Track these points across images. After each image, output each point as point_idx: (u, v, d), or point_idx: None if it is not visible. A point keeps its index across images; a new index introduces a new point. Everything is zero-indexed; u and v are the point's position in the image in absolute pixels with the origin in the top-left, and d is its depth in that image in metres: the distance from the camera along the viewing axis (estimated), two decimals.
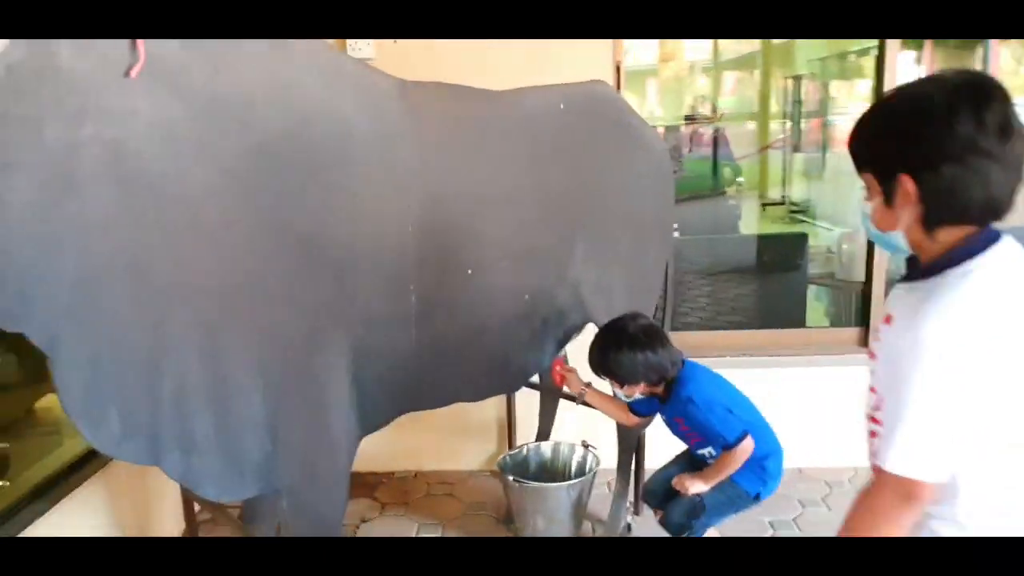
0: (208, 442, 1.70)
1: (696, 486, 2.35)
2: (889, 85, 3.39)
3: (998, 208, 1.20)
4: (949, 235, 1.22)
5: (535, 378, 2.96)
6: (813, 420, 3.33)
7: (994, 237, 1.22)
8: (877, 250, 3.61)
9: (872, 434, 1.34)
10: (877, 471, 1.24)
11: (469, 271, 2.18)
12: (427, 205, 2.02)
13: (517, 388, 2.47)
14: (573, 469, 3.01)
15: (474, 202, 2.16)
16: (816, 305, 4.62)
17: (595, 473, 2.85)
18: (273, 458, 1.81)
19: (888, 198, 1.24)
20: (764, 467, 2.37)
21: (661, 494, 2.51)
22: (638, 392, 2.35)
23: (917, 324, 1.18)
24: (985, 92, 1.16)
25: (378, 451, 3.65)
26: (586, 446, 2.97)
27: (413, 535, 3.11)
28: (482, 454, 3.63)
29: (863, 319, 3.71)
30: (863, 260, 3.70)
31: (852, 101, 6.73)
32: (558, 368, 2.69)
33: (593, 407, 2.62)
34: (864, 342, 3.69)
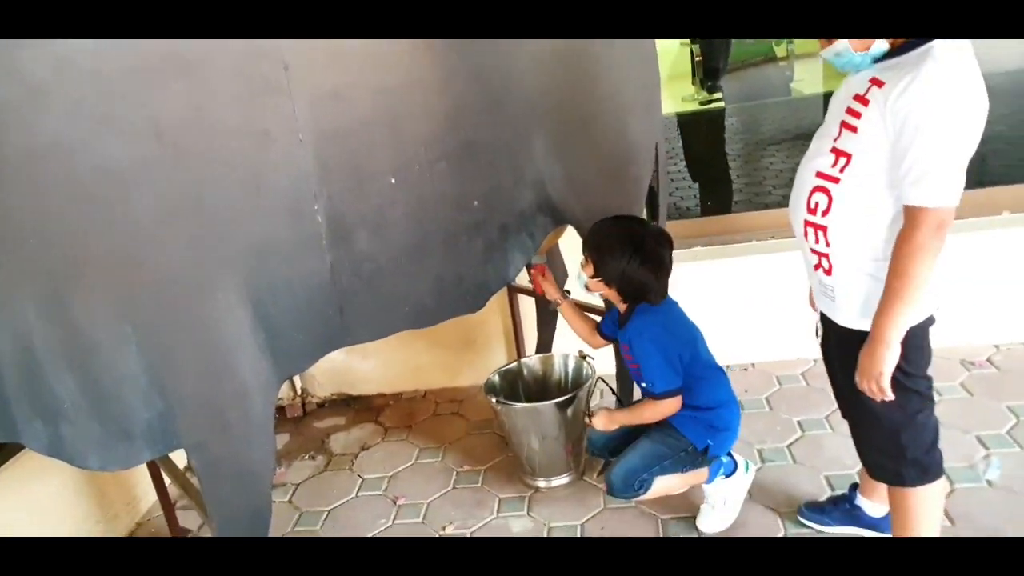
0: (77, 407, 1.50)
1: (600, 421, 2.25)
2: None
3: None
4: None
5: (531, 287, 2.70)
6: None
7: None
8: None
9: (818, 190, 1.67)
10: (910, 212, 1.50)
11: (392, 179, 1.87)
12: (320, 101, 1.70)
13: (478, 307, 2.19)
14: (569, 382, 2.76)
15: (385, 92, 1.82)
16: None
17: (592, 384, 2.59)
18: (168, 416, 1.61)
19: None
20: (709, 420, 2.17)
21: (600, 442, 2.35)
22: (601, 291, 2.16)
23: (929, 79, 1.44)
24: None
25: (384, 373, 3.52)
26: (583, 356, 2.70)
27: (411, 462, 2.95)
28: (492, 367, 3.42)
29: None
30: None
31: None
32: (536, 276, 2.42)
33: (565, 319, 2.40)
34: None
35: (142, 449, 1.60)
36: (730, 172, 4.68)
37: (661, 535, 2.32)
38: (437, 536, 2.49)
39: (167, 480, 2.49)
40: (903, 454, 1.75)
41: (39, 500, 2.41)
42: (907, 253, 1.51)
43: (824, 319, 1.82)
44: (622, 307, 2.17)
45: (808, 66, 6.13)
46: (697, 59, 4.82)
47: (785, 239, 3.13)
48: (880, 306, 1.59)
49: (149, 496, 2.81)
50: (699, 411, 2.14)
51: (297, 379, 3.53)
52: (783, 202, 3.62)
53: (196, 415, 1.65)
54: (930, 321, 1.71)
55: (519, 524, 2.49)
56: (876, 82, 1.54)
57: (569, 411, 2.52)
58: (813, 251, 1.74)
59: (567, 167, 2.24)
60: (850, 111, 1.60)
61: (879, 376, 1.61)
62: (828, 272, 1.71)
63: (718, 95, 4.77)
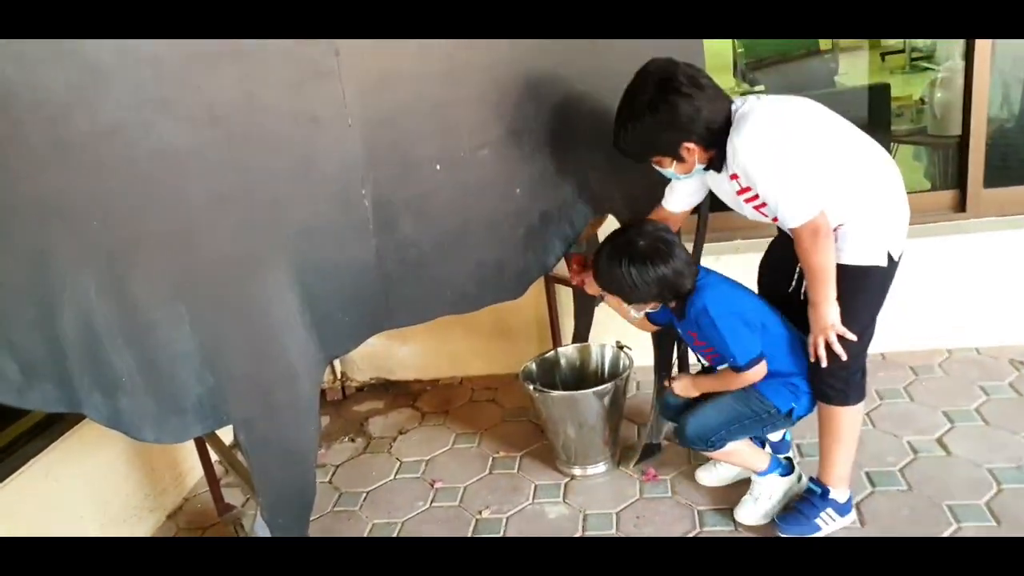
0: (134, 381, 1.55)
1: (681, 386, 2.23)
2: None
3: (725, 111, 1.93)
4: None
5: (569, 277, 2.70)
6: (898, 299, 2.91)
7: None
8: (976, 94, 3.04)
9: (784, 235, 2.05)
10: (792, 231, 1.90)
11: (437, 166, 1.90)
12: (369, 88, 1.73)
13: (519, 294, 2.20)
14: (606, 371, 2.77)
15: (433, 79, 1.84)
16: (914, 166, 4.04)
17: (628, 374, 2.60)
18: (218, 392, 1.66)
19: (680, 160, 1.99)
20: (795, 383, 2.11)
21: (675, 406, 2.29)
22: (649, 308, 2.13)
23: (745, 139, 1.84)
24: (672, 66, 1.91)
25: (422, 360, 3.57)
26: (620, 347, 2.71)
27: (449, 446, 2.99)
28: (528, 356, 3.44)
29: (960, 180, 3.19)
30: (959, 111, 3.13)
31: None
32: (575, 266, 2.42)
33: (612, 308, 2.36)
34: (961, 207, 3.19)
35: (193, 423, 1.65)
36: None
37: (697, 526, 2.33)
38: (465, 533, 2.52)
39: (213, 457, 2.56)
40: (851, 378, 2.07)
41: (95, 470, 2.49)
42: (803, 257, 1.91)
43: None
44: (673, 303, 2.12)
45: (852, 59, 6.01)
46: (739, 51, 4.75)
47: None
48: (810, 302, 1.96)
49: (196, 472, 2.89)
50: (781, 376, 2.10)
51: (337, 363, 3.60)
52: None
53: (245, 393, 1.69)
54: (893, 267, 1.99)
55: (555, 510, 2.51)
56: (732, 176, 1.95)
57: (606, 400, 2.53)
58: None
59: (609, 156, 2.24)
60: (738, 191, 1.98)
61: (831, 326, 1.94)
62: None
63: (760, 88, 4.70)
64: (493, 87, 1.97)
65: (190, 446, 2.74)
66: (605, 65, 2.16)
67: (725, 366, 2.12)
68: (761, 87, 4.75)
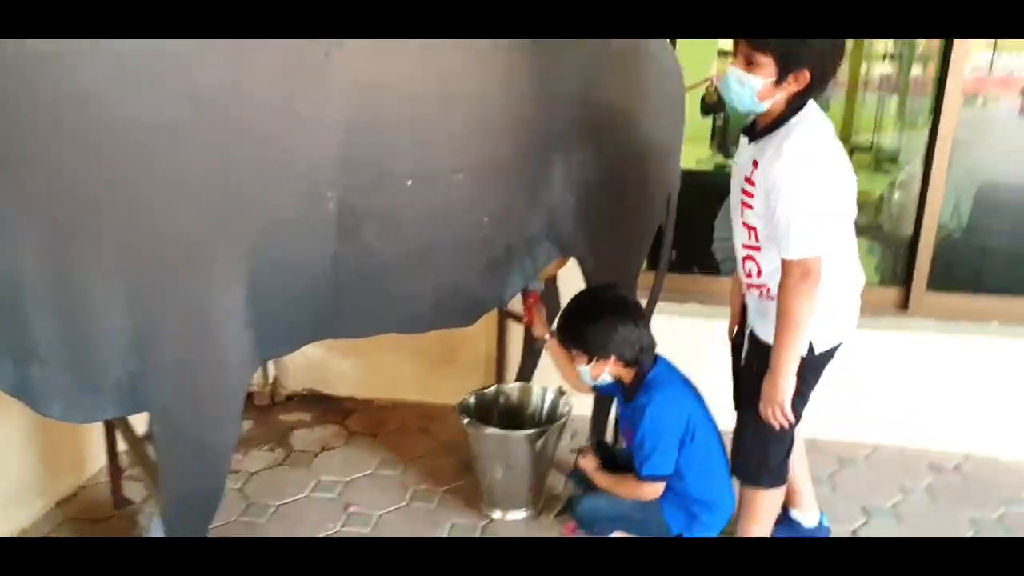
0: (52, 352, 1.46)
1: (587, 464, 2.23)
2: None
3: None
4: (795, 104, 1.79)
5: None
6: (831, 387, 2.95)
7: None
8: (930, 202, 3.16)
9: (747, 259, 1.95)
10: (783, 263, 1.80)
11: (410, 182, 1.86)
12: (354, 94, 1.68)
13: (471, 322, 2.17)
14: (543, 416, 2.72)
15: (422, 98, 1.81)
16: (866, 259, 4.16)
17: (565, 422, 2.57)
18: (141, 376, 1.56)
19: (780, 81, 1.75)
20: (696, 513, 2.14)
21: (582, 477, 2.32)
22: (606, 371, 2.09)
23: (787, 154, 1.74)
24: None
25: (360, 377, 3.46)
26: (562, 393, 2.68)
27: (371, 470, 2.89)
28: (468, 390, 3.39)
29: (906, 279, 3.28)
30: (913, 213, 3.24)
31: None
32: (530, 302, 2.40)
33: (551, 357, 2.37)
34: (904, 305, 3.28)
35: (108, 405, 1.56)
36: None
37: None
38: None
39: (121, 446, 2.41)
40: (766, 461, 2.02)
41: None
42: (784, 298, 1.81)
43: (751, 337, 2.05)
44: (628, 377, 2.10)
45: None
46: (719, 124, 4.86)
47: None
48: (775, 342, 1.86)
49: (98, 459, 2.72)
50: (689, 499, 2.08)
51: (271, 368, 3.47)
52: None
53: (170, 381, 1.60)
54: (832, 354, 1.97)
55: None
56: (755, 163, 1.83)
57: (539, 444, 2.48)
58: (765, 305, 1.97)
59: (580, 201, 2.25)
60: (744, 191, 1.89)
61: (782, 403, 1.87)
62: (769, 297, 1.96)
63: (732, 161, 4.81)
64: (480, 115, 1.95)
65: (96, 431, 2.59)
66: (592, 118, 2.18)
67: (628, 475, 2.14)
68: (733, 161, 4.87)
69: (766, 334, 1.93)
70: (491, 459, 2.51)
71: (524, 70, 2.00)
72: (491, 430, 2.49)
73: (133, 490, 2.63)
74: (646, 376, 2.06)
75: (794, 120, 1.78)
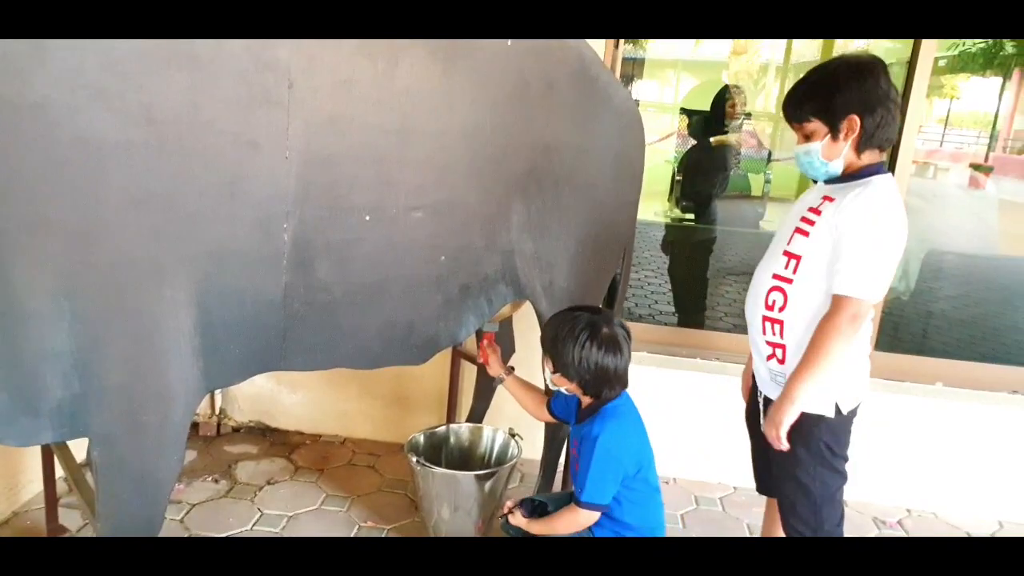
0: None
1: (517, 520, 2.14)
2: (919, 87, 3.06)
3: (893, 140, 1.91)
4: (870, 156, 1.88)
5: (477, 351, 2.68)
6: None
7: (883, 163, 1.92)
8: None
9: (775, 289, 1.96)
10: (835, 299, 1.80)
11: (367, 216, 1.88)
12: (315, 127, 1.71)
13: (423, 360, 2.17)
14: (493, 457, 2.72)
15: (381, 134, 1.85)
16: None
17: (514, 465, 2.57)
18: (83, 400, 1.54)
19: (835, 134, 1.86)
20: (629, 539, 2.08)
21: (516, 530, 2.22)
22: (564, 387, 2.06)
23: (870, 198, 1.81)
24: (883, 64, 1.85)
25: (308, 411, 3.43)
26: (512, 435, 2.68)
27: (316, 505, 2.85)
28: (417, 428, 3.38)
29: None
30: None
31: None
32: (484, 343, 2.41)
33: (511, 394, 2.35)
34: None
35: (46, 428, 1.52)
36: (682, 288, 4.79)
37: None
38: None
39: (58, 472, 2.36)
40: (822, 525, 2.00)
41: None
42: (826, 332, 1.80)
43: (768, 404, 2.01)
44: (585, 401, 2.08)
45: (779, 208, 6.42)
46: (677, 179, 4.98)
47: (729, 363, 3.20)
48: (795, 371, 1.86)
49: (34, 486, 2.65)
50: (623, 527, 2.06)
51: (219, 399, 3.42)
52: (733, 330, 3.73)
53: (112, 406, 1.58)
54: (855, 412, 1.98)
55: None
56: (828, 198, 1.89)
57: (487, 486, 2.48)
58: (769, 343, 1.98)
59: (537, 246, 2.28)
60: (804, 219, 1.92)
61: (780, 424, 1.88)
62: (781, 361, 1.96)
63: (689, 216, 4.92)
64: (441, 154, 1.99)
65: (34, 456, 2.52)
66: (552, 166, 2.22)
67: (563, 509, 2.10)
68: (692, 216, 4.99)
69: None
70: (438, 499, 2.50)
71: (486, 113, 2.05)
72: (439, 470, 2.48)
73: (69, 518, 2.56)
74: (603, 405, 2.03)
75: (875, 178, 1.86)
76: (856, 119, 1.82)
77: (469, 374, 3.16)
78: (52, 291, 1.45)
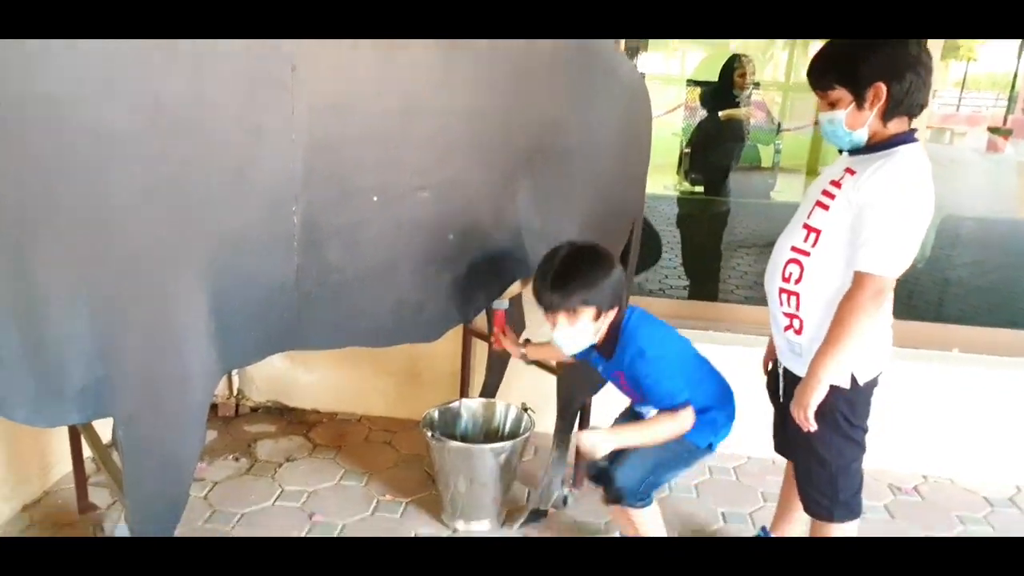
0: (15, 358, 1.48)
1: (590, 441, 1.92)
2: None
3: (925, 105, 1.84)
4: (898, 125, 1.84)
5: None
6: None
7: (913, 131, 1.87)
8: None
9: (792, 261, 1.95)
10: (857, 276, 1.78)
11: (375, 198, 1.91)
12: (320, 108, 1.73)
13: (434, 338, 2.20)
14: (507, 431, 2.77)
15: (386, 115, 1.86)
16: None
17: (528, 437, 2.61)
18: (106, 384, 1.59)
19: (860, 103, 1.81)
20: (712, 418, 2.08)
21: (598, 467, 2.19)
22: (596, 329, 1.96)
23: (892, 171, 1.77)
24: None
25: (324, 390, 3.49)
26: (525, 409, 2.73)
27: (335, 481, 2.92)
28: (433, 404, 3.43)
29: None
30: None
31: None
32: (496, 331, 2.44)
33: (538, 362, 2.39)
34: None
35: (72, 411, 1.58)
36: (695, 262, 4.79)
37: None
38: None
39: (86, 452, 2.43)
40: (837, 495, 2.03)
41: None
42: (849, 309, 1.79)
43: (787, 374, 2.07)
44: (602, 334, 2.00)
45: (789, 179, 6.39)
46: (685, 151, 4.95)
47: (742, 334, 3.21)
48: (820, 350, 1.86)
49: (64, 465, 2.74)
50: (702, 413, 2.01)
51: (236, 380, 3.49)
52: (745, 302, 3.73)
53: (134, 389, 1.63)
54: (875, 382, 1.99)
55: None
56: (849, 171, 1.87)
57: (502, 458, 2.53)
58: (785, 314, 1.99)
59: (544, 222, 2.30)
60: (825, 192, 1.90)
61: (807, 406, 1.88)
62: (798, 332, 1.98)
63: (699, 189, 4.90)
64: (444, 133, 2.00)
65: (62, 437, 2.60)
66: (558, 142, 2.23)
67: (652, 412, 2.05)
68: (701, 189, 4.98)
69: (803, 370, 1.94)
70: (454, 472, 2.55)
71: (489, 91, 2.06)
72: (453, 444, 2.53)
73: (99, 495, 2.65)
74: (619, 327, 2.00)
75: (901, 148, 1.81)
76: (883, 87, 1.77)
77: (481, 350, 3.20)
78: (69, 279, 1.49)
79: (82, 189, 1.46)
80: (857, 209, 1.80)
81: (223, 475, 2.92)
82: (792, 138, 6.48)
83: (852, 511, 2.07)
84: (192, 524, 2.56)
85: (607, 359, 2.05)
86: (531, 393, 2.84)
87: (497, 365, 3.05)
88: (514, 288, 2.46)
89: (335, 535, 2.57)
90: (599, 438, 1.93)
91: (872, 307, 1.78)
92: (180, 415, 1.72)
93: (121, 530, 2.21)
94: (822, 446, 1.99)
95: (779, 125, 6.59)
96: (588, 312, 1.93)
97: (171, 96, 1.52)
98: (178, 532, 1.86)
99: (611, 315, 1.95)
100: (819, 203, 1.91)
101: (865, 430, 2.03)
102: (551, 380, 2.66)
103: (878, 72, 1.77)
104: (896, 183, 1.76)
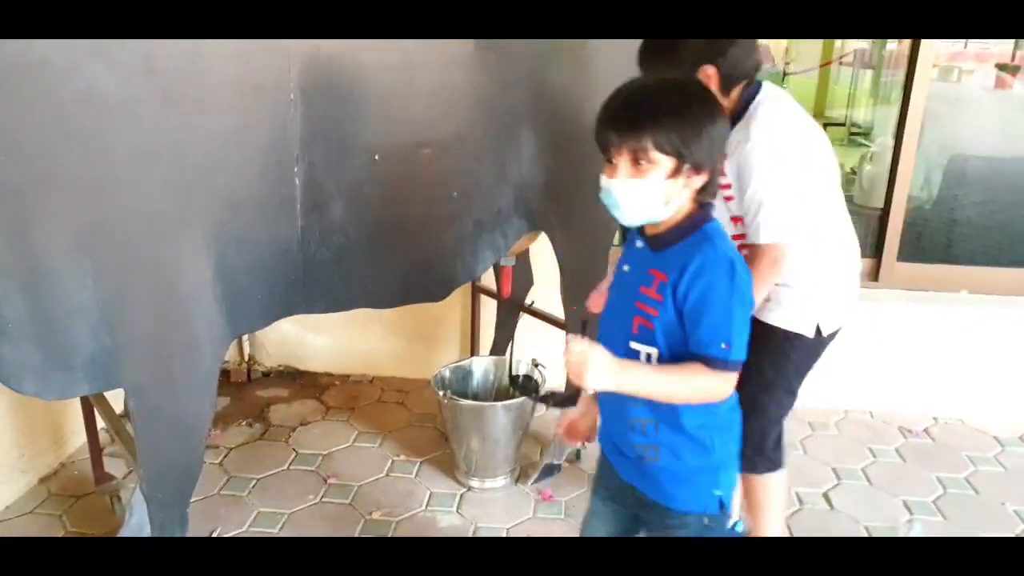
0: (21, 330, 1.47)
1: (597, 373, 1.25)
2: None
3: (759, 64, 1.78)
4: (737, 91, 1.76)
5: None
6: None
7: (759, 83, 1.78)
8: (901, 173, 3.20)
9: (742, 248, 1.70)
10: (752, 250, 1.72)
11: (376, 156, 1.88)
12: (316, 66, 1.70)
13: (441, 297, 2.19)
14: (518, 387, 2.77)
15: (384, 71, 1.82)
16: None
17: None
18: (113, 353, 1.58)
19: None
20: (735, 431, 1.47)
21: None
22: (658, 173, 1.27)
23: (753, 136, 1.69)
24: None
25: (334, 353, 3.50)
26: (536, 364, 2.72)
27: (349, 443, 2.93)
28: (444, 363, 3.44)
29: (877, 250, 3.33)
30: (884, 185, 3.29)
31: None
32: (505, 276, 2.43)
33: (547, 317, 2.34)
34: (875, 276, 3.34)
35: (81, 382, 1.57)
36: None
37: None
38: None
39: (99, 423, 2.44)
40: (762, 448, 1.98)
41: None
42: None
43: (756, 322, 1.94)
44: (683, 212, 1.33)
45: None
46: None
47: None
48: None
49: (78, 437, 2.75)
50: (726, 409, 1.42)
51: (246, 345, 3.50)
52: None
53: (143, 357, 1.62)
54: (833, 336, 1.92)
55: (447, 520, 2.48)
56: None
57: (514, 415, 2.53)
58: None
59: (549, 175, 2.27)
60: (720, 184, 1.71)
61: None
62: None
63: None
64: (444, 88, 1.97)
65: (75, 409, 2.61)
66: (556, 95, 2.19)
67: (649, 354, 1.36)
68: None
69: (773, 318, 1.86)
70: (467, 431, 2.56)
71: (487, 45, 2.01)
72: (465, 402, 2.53)
73: (114, 466, 2.66)
74: (702, 214, 1.35)
75: (753, 104, 1.74)
76: (710, 67, 1.69)
77: (489, 308, 3.19)
78: (71, 248, 1.47)
79: (79, 156, 1.43)
80: (740, 186, 1.73)
81: (237, 441, 2.93)
82: (798, 82, 6.36)
83: (775, 463, 2.04)
84: (208, 491, 2.58)
85: (652, 250, 1.37)
86: (542, 348, 2.83)
87: (506, 321, 3.03)
88: (521, 244, 2.43)
89: (350, 497, 2.59)
90: (597, 366, 1.25)
91: (771, 277, 1.74)
92: (190, 382, 1.71)
93: (138, 499, 2.23)
94: (765, 395, 1.91)
95: (784, 70, 6.47)
96: (663, 163, 1.27)
97: (165, 59, 1.48)
98: (194, 499, 1.88)
99: (695, 183, 1.30)
100: (724, 197, 1.78)
101: (803, 382, 1.99)
102: (560, 335, 2.65)
103: (703, 55, 1.69)
104: (759, 148, 1.68)
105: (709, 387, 1.32)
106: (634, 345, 1.38)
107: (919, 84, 3.07)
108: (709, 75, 1.70)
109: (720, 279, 1.28)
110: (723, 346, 1.28)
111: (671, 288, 1.31)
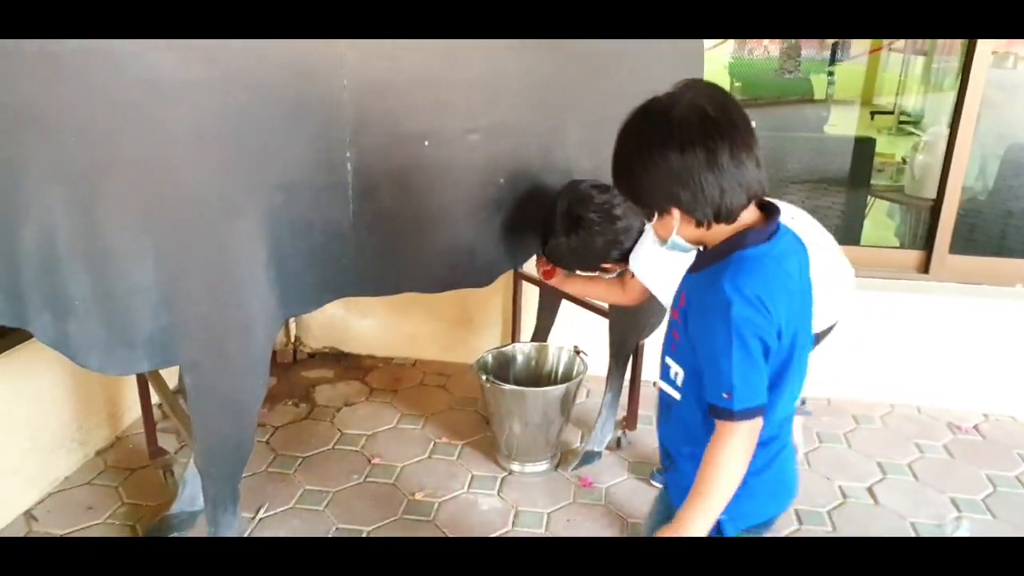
0: (87, 307, 1.52)
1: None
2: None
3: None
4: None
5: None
6: (848, 347, 2.95)
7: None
8: (955, 164, 3.13)
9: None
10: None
11: (426, 142, 1.90)
12: (368, 56, 1.72)
13: (486, 283, 2.20)
14: (559, 374, 2.79)
15: (432, 57, 1.84)
16: (886, 222, 4.14)
17: (580, 380, 2.62)
18: (171, 332, 1.63)
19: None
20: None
21: None
22: (674, 231, 1.28)
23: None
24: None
25: (379, 336, 3.55)
26: (577, 352, 2.73)
27: (392, 424, 2.98)
28: (485, 348, 3.47)
29: (927, 241, 3.27)
30: (937, 175, 3.22)
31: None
32: (543, 269, 2.43)
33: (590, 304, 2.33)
34: (925, 268, 3.28)
35: (141, 359, 1.62)
36: None
37: (627, 535, 2.36)
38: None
39: (154, 399, 2.52)
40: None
41: (31, 393, 2.44)
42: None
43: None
44: (721, 236, 1.27)
45: (843, 112, 6.16)
46: (736, 84, 4.82)
47: None
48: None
49: (133, 411, 2.85)
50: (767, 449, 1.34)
51: (292, 327, 3.57)
52: None
53: (198, 336, 1.67)
54: (828, 332, 1.91)
55: (488, 503, 2.52)
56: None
57: (556, 401, 2.55)
58: None
59: (595, 162, 2.26)
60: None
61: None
62: None
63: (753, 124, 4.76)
64: (492, 74, 1.97)
65: (131, 384, 2.70)
66: (605, 78, 2.18)
67: (678, 368, 1.37)
68: (754, 123, 4.84)
69: None
70: (508, 415, 2.58)
71: None
72: (507, 387, 2.56)
73: (167, 441, 2.75)
74: (737, 249, 1.25)
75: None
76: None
77: (531, 294, 3.21)
78: (133, 229, 1.52)
79: (141, 140, 1.48)
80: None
81: (284, 420, 3.00)
82: (846, 68, 6.22)
83: None
84: (256, 468, 2.65)
85: (691, 268, 1.36)
86: (583, 336, 2.84)
87: (549, 307, 3.05)
88: None
89: (393, 477, 2.64)
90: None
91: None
92: (244, 361, 1.76)
93: (192, 473, 2.30)
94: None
95: (832, 53, 6.33)
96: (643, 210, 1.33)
97: (222, 45, 1.52)
98: (244, 475, 1.93)
99: (673, 222, 1.26)
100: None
101: None
102: (603, 323, 2.66)
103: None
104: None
105: (726, 457, 1.25)
106: (668, 360, 1.40)
107: (977, 71, 3.00)
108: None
109: (718, 326, 1.22)
110: (724, 396, 1.23)
111: (684, 316, 1.33)
